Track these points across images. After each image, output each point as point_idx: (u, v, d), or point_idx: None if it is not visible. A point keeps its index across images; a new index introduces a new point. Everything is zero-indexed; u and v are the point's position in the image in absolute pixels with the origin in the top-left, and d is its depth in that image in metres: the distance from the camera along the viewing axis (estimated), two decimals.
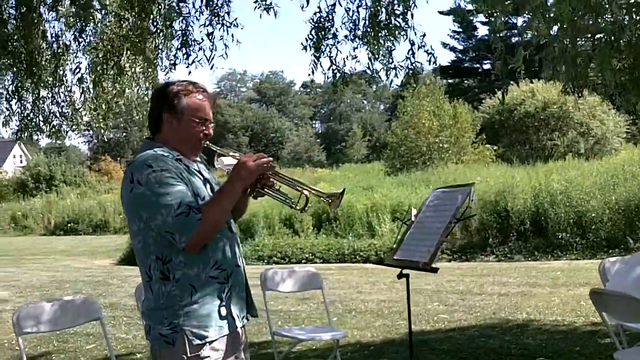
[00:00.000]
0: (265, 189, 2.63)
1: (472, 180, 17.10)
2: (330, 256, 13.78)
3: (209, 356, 2.44)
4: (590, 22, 5.70)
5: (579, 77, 6.47)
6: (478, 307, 7.83)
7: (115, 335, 7.25)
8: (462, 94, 41.33)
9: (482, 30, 53.43)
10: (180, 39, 5.77)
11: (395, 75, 5.69)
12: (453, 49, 57.39)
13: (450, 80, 54.99)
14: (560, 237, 12.48)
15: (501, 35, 5.88)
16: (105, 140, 55.97)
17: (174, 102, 2.56)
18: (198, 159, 2.71)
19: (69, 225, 26.42)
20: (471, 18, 46.46)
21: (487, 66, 53.74)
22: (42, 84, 7.08)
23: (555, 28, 5.95)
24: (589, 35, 6.37)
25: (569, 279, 9.48)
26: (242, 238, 15.16)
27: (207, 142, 2.68)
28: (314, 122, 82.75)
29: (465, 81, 58.58)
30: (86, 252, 18.75)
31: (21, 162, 49.61)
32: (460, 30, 55.82)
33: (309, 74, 5.67)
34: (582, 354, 5.51)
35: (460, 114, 28.08)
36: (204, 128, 2.62)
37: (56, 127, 7.45)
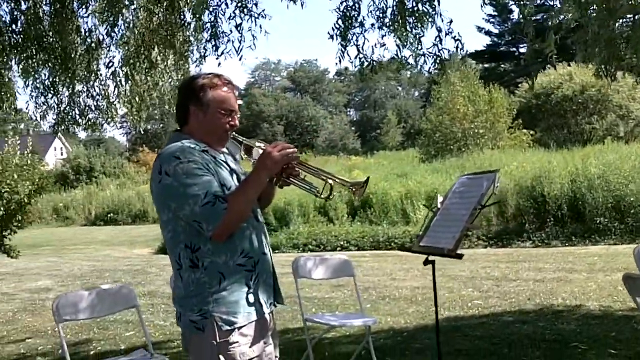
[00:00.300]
0: (291, 178, 2.67)
1: (509, 165, 16.95)
2: (364, 243, 13.82)
3: (237, 342, 2.50)
4: (623, 3, 5.58)
5: (613, 60, 6.37)
6: (513, 293, 7.79)
7: (154, 322, 7.42)
8: (498, 79, 40.69)
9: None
10: (210, 31, 5.83)
11: (424, 62, 5.68)
12: (488, 33, 56.54)
13: (486, 65, 54.28)
14: (598, 221, 12.31)
15: (536, 18, 5.82)
16: (143, 131, 56.73)
17: (199, 94, 2.61)
18: (225, 150, 2.77)
19: (109, 215, 26.96)
20: (506, 1, 45.70)
21: (523, 50, 52.81)
22: (76, 78, 7.23)
23: (589, 10, 5.86)
24: (624, 17, 6.25)
25: (606, 264, 9.36)
26: (277, 226, 15.45)
27: (234, 133, 2.73)
28: (348, 109, 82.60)
29: (502, 65, 57.66)
30: (125, 242, 19.12)
31: (62, 155, 50.66)
32: (495, 13, 54.90)
33: (336, 63, 5.68)
34: (618, 339, 5.45)
35: (495, 98, 27.71)
36: (230, 119, 2.67)
37: (92, 120, 7.61)
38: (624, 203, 12.29)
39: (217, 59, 6.05)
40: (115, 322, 7.46)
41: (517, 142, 26.75)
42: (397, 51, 5.71)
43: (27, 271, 12.76)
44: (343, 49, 5.45)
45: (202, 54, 6.49)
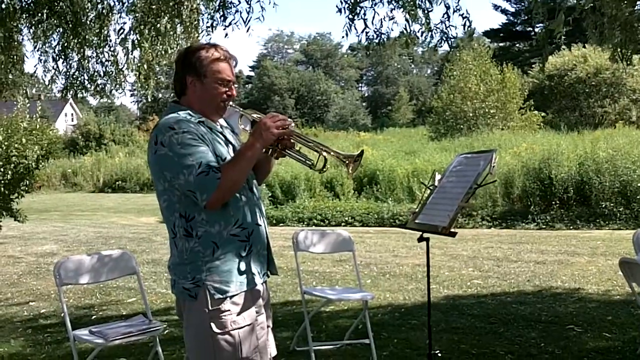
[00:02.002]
0: (286, 150, 2.69)
1: (518, 146, 16.89)
2: (369, 220, 13.86)
3: (229, 310, 2.54)
4: None
5: (629, 43, 6.29)
6: (513, 274, 7.82)
7: (156, 290, 7.51)
8: (513, 58, 40.40)
9: None
10: (218, 1, 5.81)
11: (432, 37, 5.64)
12: (504, 12, 56.00)
13: (500, 44, 53.81)
14: (603, 206, 12.29)
15: None
16: (153, 100, 56.72)
17: (196, 65, 2.62)
18: (223, 122, 2.79)
19: (117, 183, 27.09)
20: None
21: (539, 30, 52.26)
22: (87, 44, 7.24)
23: None
24: None
25: (608, 248, 9.36)
26: (283, 200, 15.52)
27: (231, 103, 2.74)
28: (360, 85, 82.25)
29: (517, 45, 57.13)
30: (132, 210, 19.25)
31: (72, 121, 50.77)
32: None
33: (343, 37, 5.65)
34: (614, 323, 5.48)
35: (508, 78, 27.53)
36: (227, 89, 2.68)
37: (100, 86, 7.64)
38: (631, 188, 12.24)
39: (224, 29, 6.05)
40: (117, 289, 7.55)
41: (528, 124, 26.64)
42: (405, 26, 5.67)
43: (34, 235, 12.90)
44: (350, 22, 5.42)
45: (211, 24, 6.48)
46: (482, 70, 27.41)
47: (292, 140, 2.67)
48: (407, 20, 5.59)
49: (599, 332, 5.27)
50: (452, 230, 2.88)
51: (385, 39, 5.58)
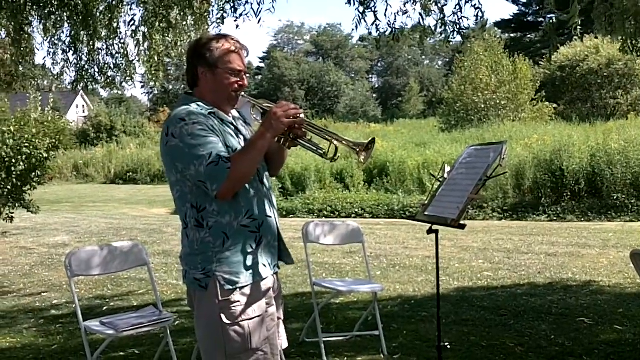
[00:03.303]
0: (297, 139, 2.68)
1: (529, 138, 16.79)
2: (379, 211, 13.84)
3: (239, 301, 2.55)
4: None
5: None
6: (523, 266, 7.80)
7: (167, 281, 7.55)
8: (524, 49, 40.05)
9: None
10: None
11: (445, 30, 5.60)
12: (516, 2, 55.55)
13: (512, 35, 53.43)
14: (615, 198, 12.22)
15: None
16: (164, 92, 56.85)
17: (206, 55, 2.63)
18: (235, 113, 2.79)
19: (128, 174, 27.20)
20: None
21: (552, 20, 51.75)
22: (97, 36, 7.24)
23: None
24: None
25: (620, 240, 9.31)
26: (293, 191, 15.53)
27: (243, 93, 2.74)
28: (370, 76, 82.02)
29: (528, 36, 56.72)
30: (144, 201, 19.33)
31: (83, 112, 50.97)
32: None
33: (352, 29, 5.64)
34: (625, 316, 5.46)
35: (520, 69, 27.35)
36: (239, 79, 2.68)
37: (110, 78, 7.65)
38: None
39: (235, 20, 6.02)
40: (129, 280, 7.60)
41: (539, 115, 26.46)
42: (419, 20, 5.64)
43: (46, 226, 12.98)
44: (361, 15, 5.39)
45: (221, 15, 6.46)
46: (493, 61, 27.23)
47: (303, 129, 2.66)
48: (420, 14, 5.56)
49: (610, 324, 5.25)
50: (462, 222, 2.87)
51: (399, 34, 5.54)
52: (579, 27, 5.47)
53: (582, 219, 12.07)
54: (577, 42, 27.85)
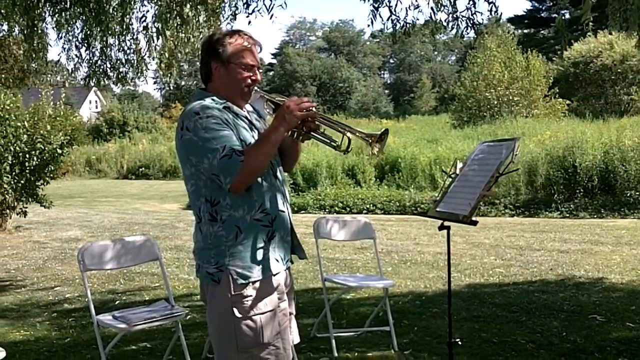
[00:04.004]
0: (311, 132, 2.69)
1: (542, 134, 16.71)
2: (391, 207, 13.82)
3: (251, 295, 2.57)
4: None
5: None
6: (535, 263, 7.77)
7: (179, 275, 7.59)
8: (538, 45, 39.81)
9: None
10: None
11: (458, 25, 5.59)
12: None
13: (525, 31, 53.11)
14: (628, 195, 12.14)
15: None
16: (176, 88, 57.00)
17: (219, 51, 2.64)
18: (249, 107, 2.80)
19: (141, 170, 27.31)
20: None
21: (565, 16, 51.47)
22: (109, 32, 7.27)
23: None
24: None
25: (633, 237, 9.26)
26: (304, 187, 15.53)
27: (256, 88, 2.75)
28: (382, 72, 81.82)
29: (542, 32, 56.34)
30: (156, 196, 19.41)
31: (96, 108, 51.25)
32: None
33: (368, 25, 5.63)
34: (638, 313, 5.43)
35: (533, 65, 27.20)
36: (251, 74, 2.69)
37: (123, 74, 7.69)
38: None
39: (247, 16, 6.05)
40: (141, 274, 7.64)
41: (552, 111, 26.32)
42: (431, 15, 5.63)
43: (59, 221, 13.07)
44: (375, 10, 5.39)
45: (234, 11, 6.48)
46: (506, 57, 27.10)
47: (315, 122, 2.66)
48: (432, 9, 5.55)
49: (622, 322, 5.22)
50: (473, 219, 2.87)
51: (410, 29, 5.53)
52: (591, 23, 5.44)
53: (595, 216, 11.99)
54: (591, 38, 27.69)
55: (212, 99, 2.63)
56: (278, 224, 2.67)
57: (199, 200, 2.62)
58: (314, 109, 2.63)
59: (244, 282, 2.56)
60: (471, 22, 5.43)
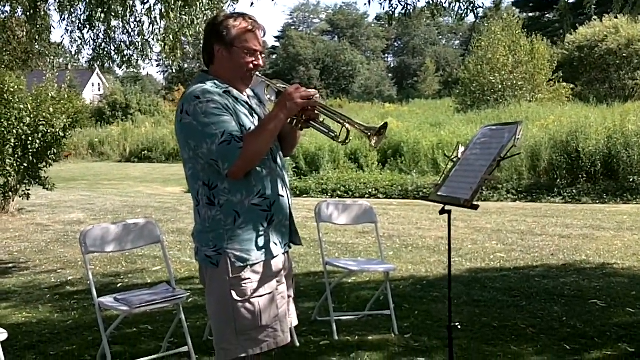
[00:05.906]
0: (310, 121, 2.68)
1: (545, 119, 16.65)
2: (393, 192, 13.82)
3: (249, 278, 2.58)
4: None
5: None
6: (537, 248, 7.78)
7: (180, 259, 7.61)
8: (543, 29, 39.52)
9: None
10: None
11: (459, 7, 5.55)
12: None
13: (530, 14, 52.74)
14: (631, 180, 12.12)
15: None
16: (179, 70, 56.79)
17: (223, 33, 2.63)
18: (250, 92, 2.79)
19: (143, 153, 27.33)
20: None
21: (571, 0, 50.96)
22: (112, 14, 7.25)
23: None
24: None
25: (635, 223, 9.25)
26: (307, 171, 15.53)
27: (258, 73, 2.74)
28: (386, 55, 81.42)
29: (547, 15, 55.90)
30: (158, 180, 19.43)
31: (99, 90, 51.13)
32: None
33: (365, 4, 5.56)
34: (638, 298, 5.43)
35: (537, 49, 27.05)
36: (254, 59, 2.68)
37: (127, 57, 7.67)
38: None
39: None
40: (143, 257, 7.67)
41: (556, 96, 26.21)
42: None
43: (62, 204, 13.11)
44: None
45: None
46: (511, 41, 26.94)
47: (316, 112, 2.66)
48: None
49: (623, 307, 5.22)
50: (475, 203, 2.87)
51: (411, 10, 5.49)
52: (593, 7, 5.40)
53: (597, 201, 11.98)
54: (596, 22, 27.49)
55: (214, 83, 2.62)
56: (277, 209, 2.67)
57: (197, 184, 2.62)
58: (316, 97, 2.62)
59: (242, 265, 2.57)
60: (472, 4, 5.38)
